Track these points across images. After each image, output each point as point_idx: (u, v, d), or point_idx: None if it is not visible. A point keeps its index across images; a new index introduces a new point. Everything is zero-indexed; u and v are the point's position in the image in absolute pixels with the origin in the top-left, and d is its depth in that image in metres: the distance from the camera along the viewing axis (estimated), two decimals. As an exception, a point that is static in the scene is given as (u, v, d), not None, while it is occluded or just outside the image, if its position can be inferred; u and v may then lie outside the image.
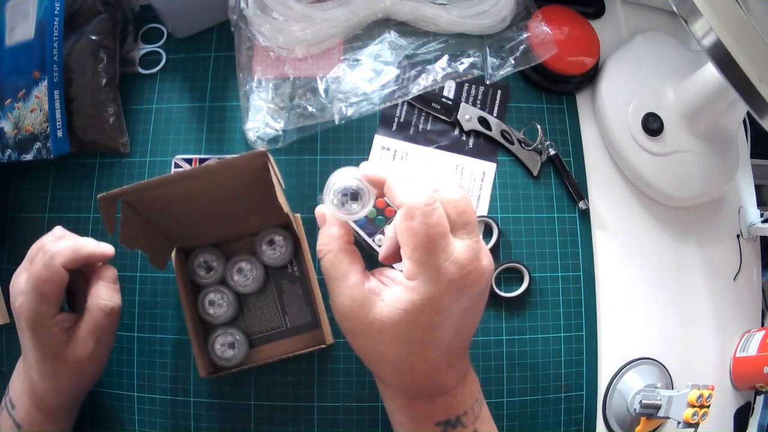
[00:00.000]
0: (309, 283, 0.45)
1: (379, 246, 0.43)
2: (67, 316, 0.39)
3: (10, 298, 0.39)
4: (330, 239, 0.34)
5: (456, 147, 0.52)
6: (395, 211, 0.43)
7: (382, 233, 0.44)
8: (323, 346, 0.44)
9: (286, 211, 0.41)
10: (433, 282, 0.30)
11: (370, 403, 0.47)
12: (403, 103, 0.53)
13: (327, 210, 0.35)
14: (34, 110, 0.48)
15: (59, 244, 0.39)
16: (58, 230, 0.41)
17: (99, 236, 0.50)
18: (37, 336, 0.38)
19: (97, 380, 0.43)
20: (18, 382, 0.41)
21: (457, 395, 0.34)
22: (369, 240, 0.46)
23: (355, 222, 0.44)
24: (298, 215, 0.47)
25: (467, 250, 0.30)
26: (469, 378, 0.35)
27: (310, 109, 0.50)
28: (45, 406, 0.40)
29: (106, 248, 0.41)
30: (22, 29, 0.49)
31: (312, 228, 0.50)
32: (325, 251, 0.34)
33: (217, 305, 0.46)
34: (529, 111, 0.54)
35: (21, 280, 0.39)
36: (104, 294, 0.40)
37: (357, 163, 0.51)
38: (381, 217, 0.45)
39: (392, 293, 0.31)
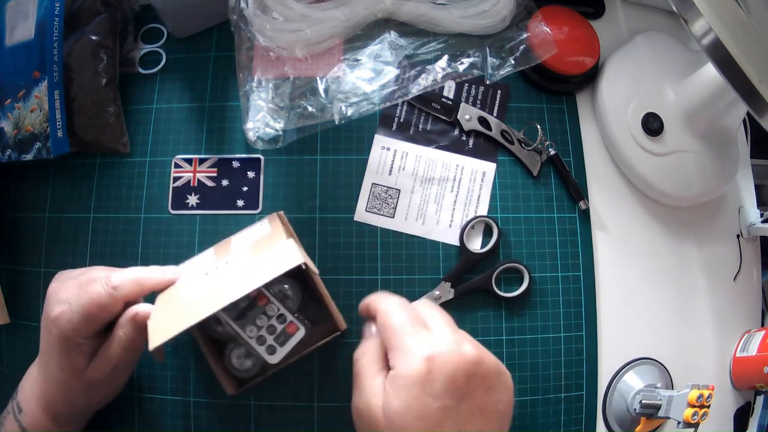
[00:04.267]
0: (310, 277, 0.44)
1: (251, 337, 0.41)
2: (99, 341, 0.39)
3: (46, 301, 0.39)
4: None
5: (456, 147, 0.52)
6: (266, 299, 0.42)
7: (254, 324, 0.41)
8: (338, 333, 0.44)
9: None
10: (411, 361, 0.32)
11: (370, 403, 0.47)
12: (403, 103, 0.53)
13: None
14: (34, 110, 0.48)
15: (124, 275, 0.39)
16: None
17: (99, 236, 0.50)
18: (66, 349, 0.38)
19: (110, 400, 0.43)
20: (28, 386, 0.41)
21: None
22: (241, 331, 0.42)
23: (226, 314, 0.41)
24: (282, 213, 0.46)
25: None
26: None
27: (310, 109, 0.50)
28: (53, 412, 0.40)
29: (172, 274, 0.41)
30: (22, 29, 0.49)
31: (300, 229, 0.50)
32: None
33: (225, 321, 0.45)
34: (529, 111, 0.54)
35: (69, 290, 0.38)
36: (131, 331, 0.39)
37: (356, 163, 0.51)
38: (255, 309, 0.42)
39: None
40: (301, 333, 0.40)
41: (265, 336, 0.41)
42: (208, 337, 0.45)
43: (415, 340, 0.33)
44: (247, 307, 0.41)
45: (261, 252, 0.42)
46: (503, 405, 0.33)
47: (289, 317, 0.40)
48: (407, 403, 0.31)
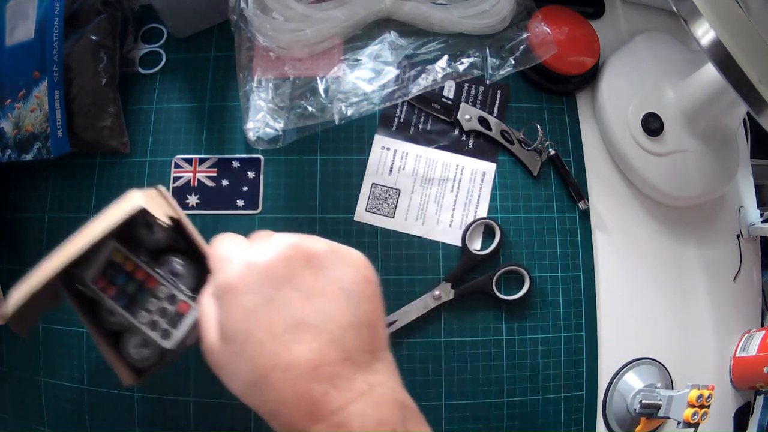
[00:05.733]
0: (197, 247, 0.39)
1: (143, 323, 0.37)
2: None
3: None
4: None
5: (456, 147, 0.52)
6: (156, 281, 0.38)
7: (145, 308, 0.37)
8: None
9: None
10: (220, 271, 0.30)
11: (370, 403, 0.47)
12: (403, 103, 0.53)
13: None
14: (34, 110, 0.48)
15: None
16: None
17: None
18: None
19: None
20: None
21: (351, 424, 0.26)
22: (132, 318, 0.37)
23: (116, 303, 0.38)
24: (162, 187, 0.42)
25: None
26: (378, 401, 0.27)
27: (310, 109, 0.50)
28: None
29: None
30: (22, 29, 0.49)
31: (300, 229, 0.50)
32: None
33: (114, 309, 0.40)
34: (529, 111, 0.54)
35: None
36: None
37: (357, 163, 0.51)
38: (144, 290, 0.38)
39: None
40: (194, 312, 0.37)
41: (158, 320, 0.37)
42: (103, 330, 0.41)
43: (232, 251, 0.31)
44: (136, 292, 0.38)
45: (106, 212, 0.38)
46: (349, 282, 0.29)
47: (180, 296, 0.37)
48: (228, 310, 0.28)
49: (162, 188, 0.41)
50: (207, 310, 0.31)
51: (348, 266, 0.30)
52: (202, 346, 0.31)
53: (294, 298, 0.28)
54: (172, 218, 0.37)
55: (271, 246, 0.30)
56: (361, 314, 0.29)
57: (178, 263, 0.40)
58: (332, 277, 0.29)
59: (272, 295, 0.28)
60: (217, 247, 0.33)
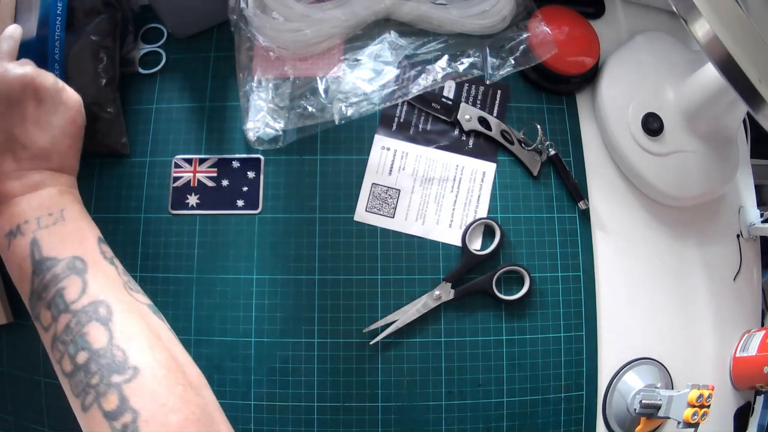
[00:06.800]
0: None
1: None
2: None
3: None
4: None
5: (456, 147, 0.52)
6: None
7: None
8: None
9: None
10: None
11: (370, 403, 0.47)
12: (403, 103, 0.53)
13: None
14: (35, 110, 0.48)
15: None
16: None
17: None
18: None
19: None
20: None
21: (21, 205, 0.36)
22: None
23: None
24: None
25: None
26: (45, 194, 0.37)
27: (310, 109, 0.50)
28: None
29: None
30: (24, 28, 0.49)
31: (300, 229, 0.50)
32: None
33: None
34: (529, 111, 0.54)
35: None
36: None
37: (356, 163, 0.51)
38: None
39: None
40: None
41: None
42: None
43: None
44: None
45: None
46: (57, 118, 0.38)
47: None
48: None
49: None
50: None
51: (61, 105, 0.39)
52: None
53: (16, 119, 0.37)
54: None
55: (17, 71, 0.38)
56: (57, 143, 0.38)
57: None
58: (47, 110, 0.38)
59: (3, 111, 0.37)
60: None
